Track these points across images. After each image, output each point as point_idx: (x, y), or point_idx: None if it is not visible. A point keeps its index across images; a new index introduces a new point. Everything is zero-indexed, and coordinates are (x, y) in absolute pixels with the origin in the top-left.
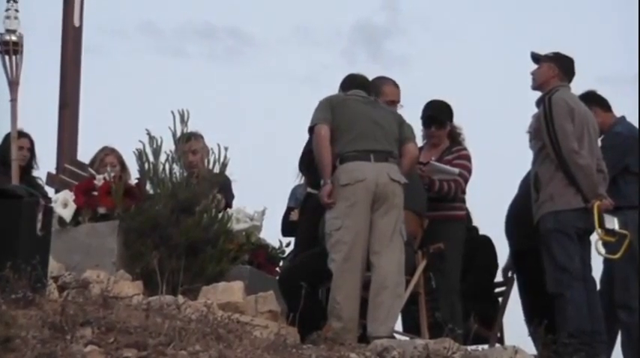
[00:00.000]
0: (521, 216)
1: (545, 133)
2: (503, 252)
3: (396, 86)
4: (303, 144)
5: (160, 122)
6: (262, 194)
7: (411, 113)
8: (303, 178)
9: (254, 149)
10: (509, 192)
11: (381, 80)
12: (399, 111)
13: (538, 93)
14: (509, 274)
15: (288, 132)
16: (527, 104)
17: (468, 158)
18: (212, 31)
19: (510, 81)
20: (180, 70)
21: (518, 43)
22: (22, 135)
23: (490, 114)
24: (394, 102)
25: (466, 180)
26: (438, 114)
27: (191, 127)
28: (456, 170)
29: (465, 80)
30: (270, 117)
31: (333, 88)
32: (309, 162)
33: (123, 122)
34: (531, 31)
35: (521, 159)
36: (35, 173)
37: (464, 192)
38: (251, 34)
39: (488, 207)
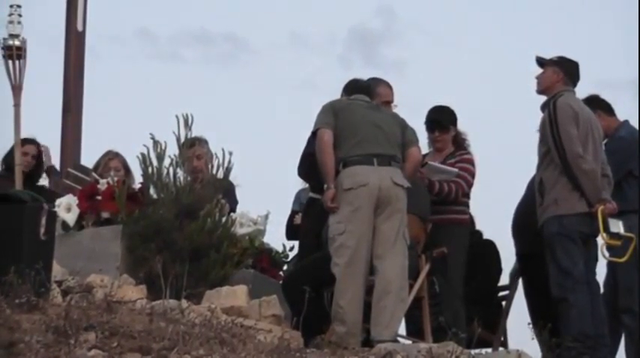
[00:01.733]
0: (527, 219)
1: (550, 138)
2: (506, 256)
3: (389, 87)
4: (301, 147)
5: (160, 127)
6: (266, 198)
7: (407, 118)
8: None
9: (254, 153)
10: (513, 195)
11: (375, 81)
12: (394, 110)
13: (542, 97)
14: (515, 278)
15: (287, 137)
16: (524, 108)
17: (470, 162)
18: (208, 36)
19: (507, 85)
20: (177, 76)
21: (514, 47)
22: (28, 141)
23: (487, 119)
24: (388, 103)
25: (468, 183)
26: (441, 118)
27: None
28: (455, 170)
29: (461, 85)
30: (268, 122)
31: (328, 93)
32: (309, 166)
33: (124, 127)
34: (528, 35)
35: (522, 162)
36: (43, 181)
37: (466, 195)
38: (247, 39)
39: (492, 212)
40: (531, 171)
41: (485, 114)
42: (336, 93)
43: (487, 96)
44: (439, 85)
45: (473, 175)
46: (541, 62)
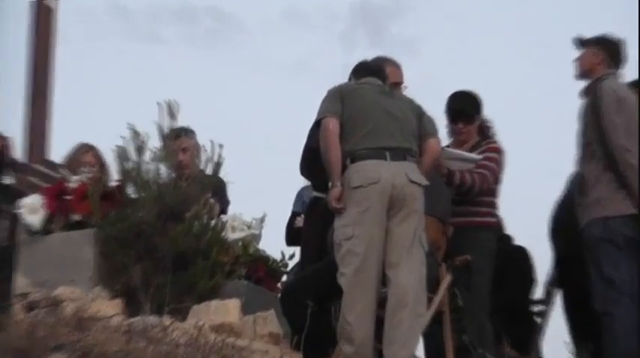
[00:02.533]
0: (568, 218)
1: (592, 128)
2: (540, 264)
3: (397, 66)
4: (301, 138)
5: (140, 116)
6: (262, 198)
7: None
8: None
9: (248, 146)
10: (546, 194)
11: (380, 61)
12: (404, 92)
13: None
14: (551, 289)
15: (286, 127)
16: (555, 90)
17: (498, 151)
18: (189, 12)
19: (533, 64)
20: (156, 58)
21: (538, 21)
22: None
23: (511, 103)
24: (398, 84)
25: (495, 176)
26: (465, 107)
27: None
28: (477, 156)
29: (481, 66)
30: (263, 111)
31: (329, 78)
32: (312, 161)
33: (98, 116)
34: (550, 9)
35: (556, 155)
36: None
37: (492, 192)
38: (234, 15)
39: (523, 213)
40: (567, 165)
41: (509, 99)
42: (337, 78)
43: (510, 78)
44: (456, 66)
45: (500, 166)
46: (580, 42)
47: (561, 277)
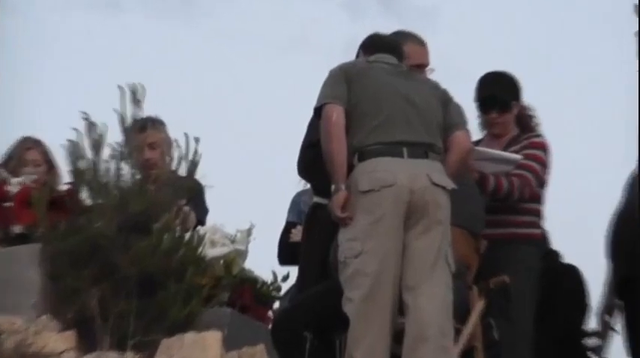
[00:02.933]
0: (631, 228)
1: None
2: (596, 286)
3: (421, 43)
4: (297, 131)
5: (97, 103)
6: (248, 205)
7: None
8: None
9: (230, 141)
10: (600, 199)
11: (400, 36)
12: (429, 76)
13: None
14: (608, 318)
15: (277, 117)
16: (606, 66)
17: (542, 147)
18: None
19: (576, 37)
20: (115, 31)
21: None
22: None
23: (552, 87)
24: (421, 66)
25: (539, 178)
26: (499, 92)
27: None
28: (517, 156)
29: (514, 40)
30: (248, 97)
31: (330, 54)
32: (311, 160)
33: (46, 103)
34: None
35: (609, 148)
36: None
37: (536, 197)
38: None
39: (570, 223)
40: (625, 161)
41: (551, 81)
42: (341, 55)
43: (551, 55)
44: (483, 41)
45: (545, 166)
46: None
47: (624, 302)
